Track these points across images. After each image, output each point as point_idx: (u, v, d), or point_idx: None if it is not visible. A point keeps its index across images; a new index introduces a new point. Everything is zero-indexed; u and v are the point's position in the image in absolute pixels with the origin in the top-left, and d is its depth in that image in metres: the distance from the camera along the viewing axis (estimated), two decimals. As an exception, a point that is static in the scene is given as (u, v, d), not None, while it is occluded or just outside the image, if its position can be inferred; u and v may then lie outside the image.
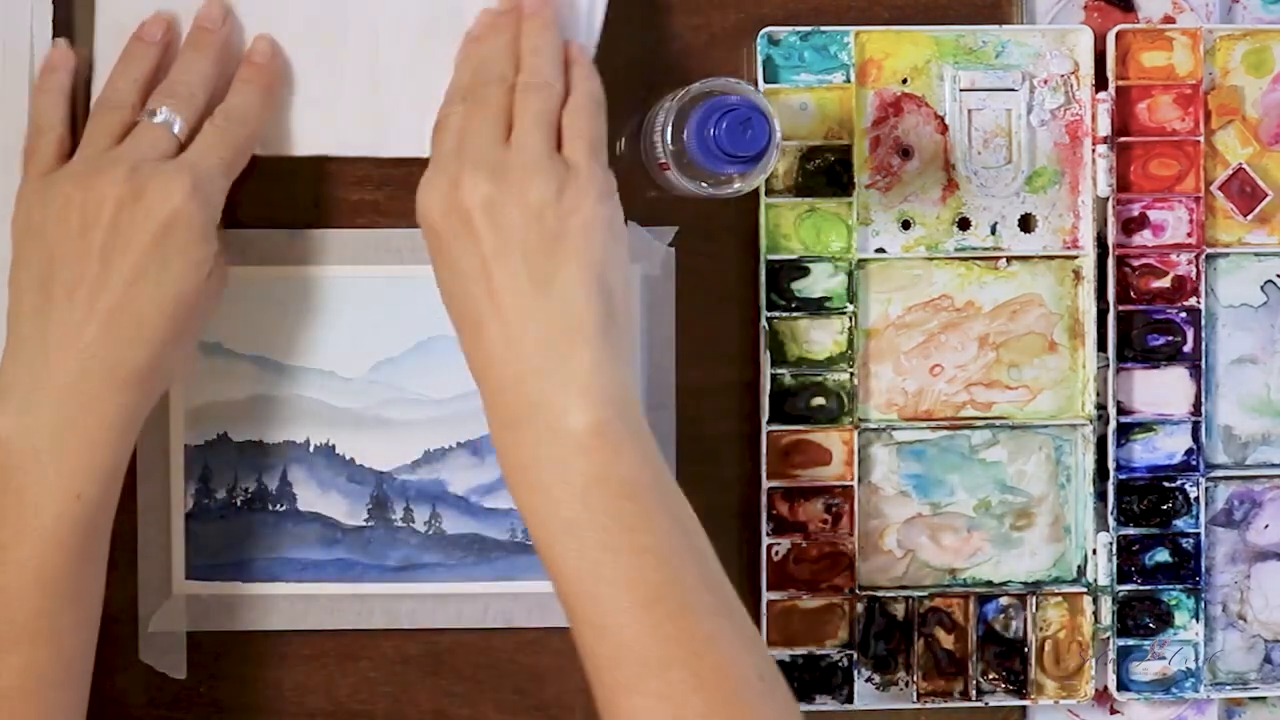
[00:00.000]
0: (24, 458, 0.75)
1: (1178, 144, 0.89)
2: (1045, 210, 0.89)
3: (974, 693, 0.89)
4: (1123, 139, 0.88)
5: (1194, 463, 0.90)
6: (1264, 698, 0.92)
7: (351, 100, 0.85)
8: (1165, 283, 0.89)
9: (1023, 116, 0.89)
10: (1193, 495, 0.90)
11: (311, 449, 0.87)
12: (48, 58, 0.83)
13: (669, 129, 0.78)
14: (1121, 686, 0.90)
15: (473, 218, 0.75)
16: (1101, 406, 0.89)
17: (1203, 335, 0.89)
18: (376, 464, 0.87)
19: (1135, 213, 0.89)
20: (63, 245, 0.76)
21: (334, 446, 0.87)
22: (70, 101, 0.82)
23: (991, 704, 0.90)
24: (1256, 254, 0.90)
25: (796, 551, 0.88)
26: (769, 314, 0.87)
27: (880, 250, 0.88)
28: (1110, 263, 0.89)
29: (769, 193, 0.87)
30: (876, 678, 0.89)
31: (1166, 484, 0.90)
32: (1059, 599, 0.90)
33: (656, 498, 0.74)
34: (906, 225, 0.89)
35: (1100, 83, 0.88)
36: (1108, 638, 0.89)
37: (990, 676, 0.89)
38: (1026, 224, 0.89)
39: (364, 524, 0.87)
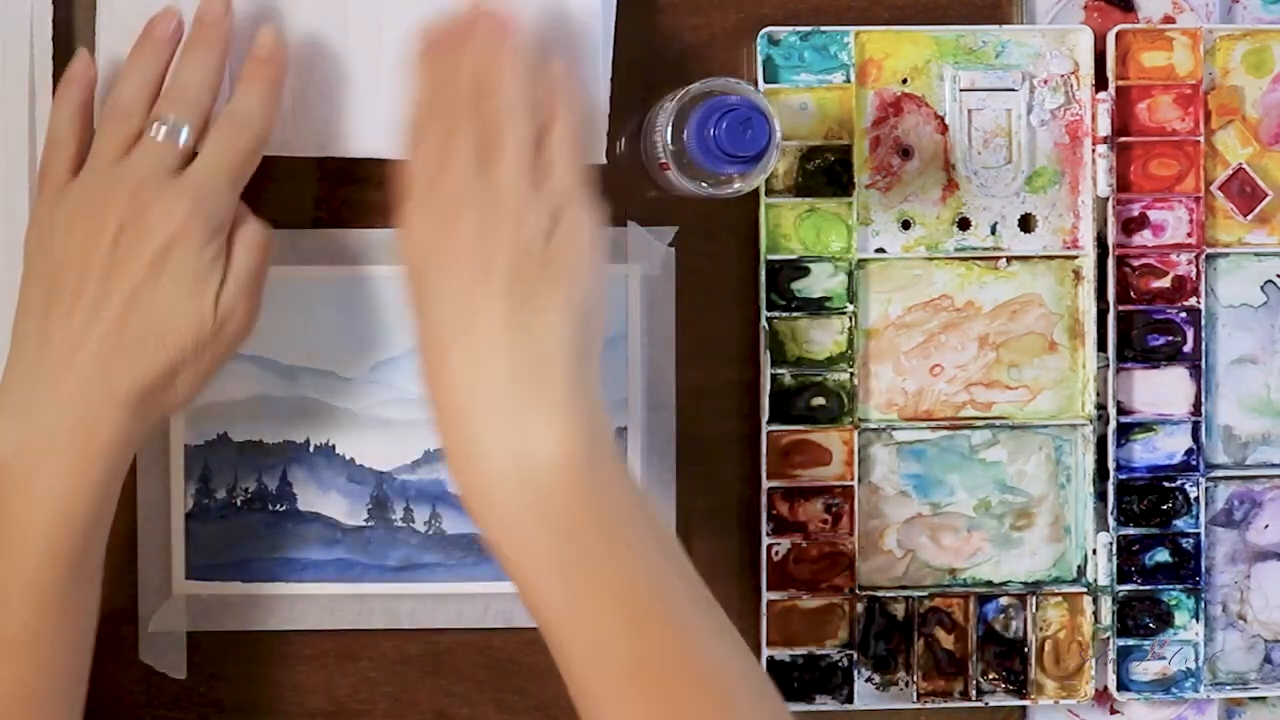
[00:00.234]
0: (16, 473, 0.75)
1: (1178, 144, 0.89)
2: (1045, 210, 0.89)
3: (974, 693, 0.89)
4: (1123, 139, 0.88)
5: (1194, 463, 0.90)
6: (1264, 698, 0.92)
7: (353, 101, 0.85)
8: (1165, 283, 0.89)
9: (1023, 116, 0.89)
10: (1193, 495, 0.90)
11: (311, 449, 0.87)
12: (69, 68, 0.82)
13: (669, 129, 0.78)
14: (1121, 686, 0.90)
15: (459, 258, 0.72)
16: (1101, 406, 0.89)
17: (1203, 335, 0.89)
18: (376, 464, 0.87)
19: (1135, 213, 0.89)
20: (66, 265, 0.76)
21: (334, 446, 0.87)
22: (86, 115, 0.81)
23: (991, 704, 0.90)
24: (1256, 254, 0.90)
25: (796, 551, 0.88)
26: (769, 314, 0.87)
27: (880, 250, 0.88)
28: (1110, 263, 0.89)
29: (769, 193, 0.87)
30: (876, 678, 0.89)
31: (1166, 484, 0.90)
32: (1059, 599, 0.90)
33: (640, 521, 0.73)
34: (906, 225, 0.89)
35: (1100, 83, 0.88)
36: (1108, 638, 0.89)
37: (990, 676, 0.89)
38: (1026, 224, 0.89)
39: (364, 524, 0.87)
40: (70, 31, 0.85)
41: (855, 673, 0.88)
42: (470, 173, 0.73)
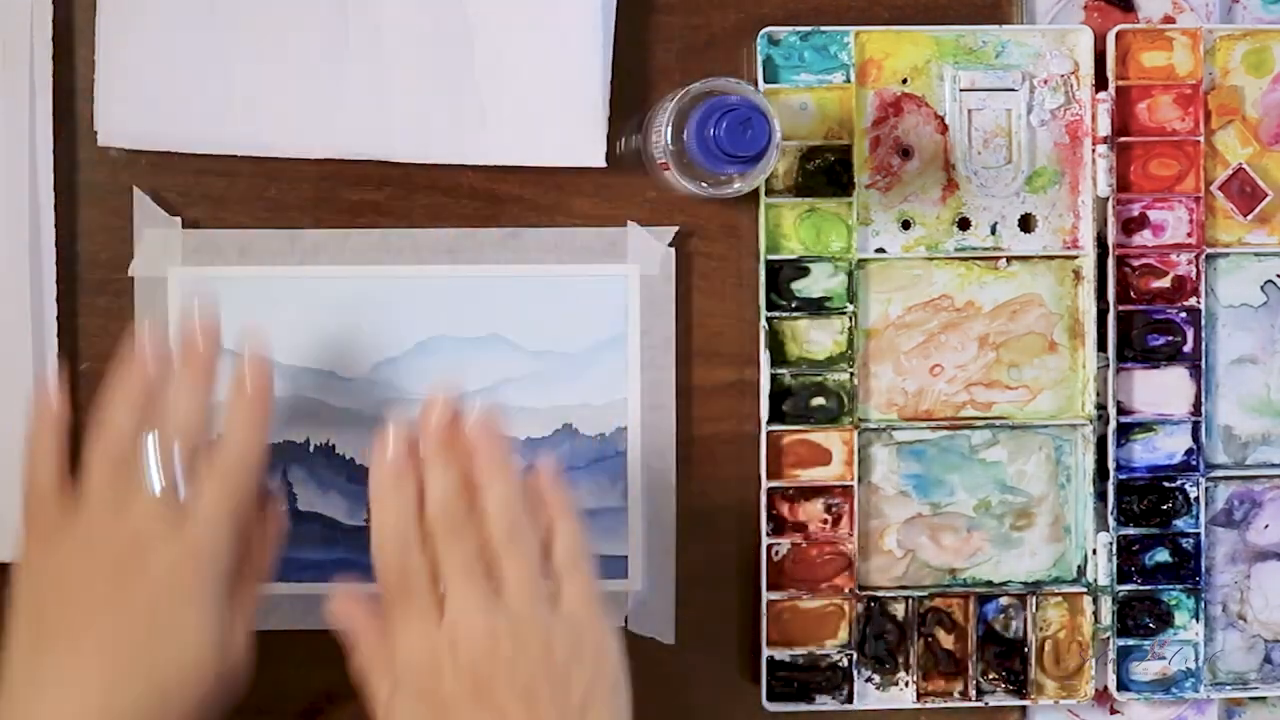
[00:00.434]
0: None
1: (1178, 144, 0.89)
2: (1045, 210, 0.89)
3: (974, 693, 0.89)
4: (1123, 139, 0.89)
5: (1194, 463, 0.90)
6: (1264, 698, 0.92)
7: (355, 102, 0.85)
8: (1165, 283, 0.89)
9: (1023, 116, 0.89)
10: (1193, 495, 0.90)
11: (311, 449, 0.87)
12: (36, 413, 0.78)
13: (669, 129, 0.78)
14: (1121, 686, 0.90)
15: (495, 689, 0.72)
16: (1101, 406, 0.89)
17: (1203, 335, 0.89)
18: (376, 464, 0.87)
19: (1135, 213, 0.89)
20: (59, 607, 0.75)
21: (334, 446, 0.87)
22: (64, 456, 0.77)
23: (991, 704, 0.90)
24: (1256, 254, 0.90)
25: (796, 552, 0.88)
26: (769, 314, 0.87)
27: (880, 250, 0.88)
28: (1110, 263, 0.89)
29: (769, 193, 0.87)
30: (876, 678, 0.89)
31: (1166, 484, 0.90)
32: (1059, 599, 0.90)
33: None
34: (906, 225, 0.89)
35: (1100, 83, 0.88)
36: (1108, 638, 0.89)
37: (990, 676, 0.89)
38: (1026, 224, 0.89)
39: (364, 524, 0.87)
40: (70, 31, 0.85)
41: (855, 673, 0.88)
42: (482, 591, 0.74)
